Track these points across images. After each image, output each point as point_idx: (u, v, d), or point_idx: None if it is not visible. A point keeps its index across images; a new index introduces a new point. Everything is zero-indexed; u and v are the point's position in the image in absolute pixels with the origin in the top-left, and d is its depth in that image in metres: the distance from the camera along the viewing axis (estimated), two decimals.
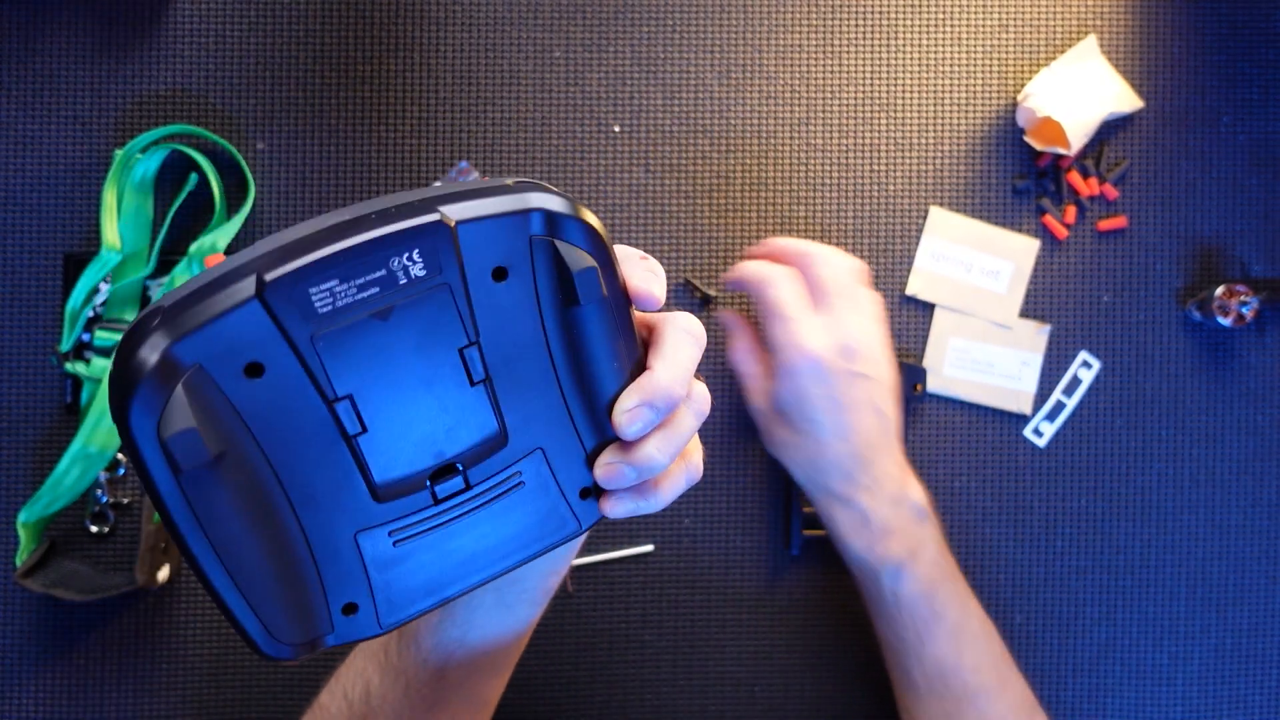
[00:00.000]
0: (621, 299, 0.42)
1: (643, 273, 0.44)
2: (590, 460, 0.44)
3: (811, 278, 0.67)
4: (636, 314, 0.44)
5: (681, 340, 0.44)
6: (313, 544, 0.40)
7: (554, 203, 0.39)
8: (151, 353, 0.34)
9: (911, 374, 0.77)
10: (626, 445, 0.44)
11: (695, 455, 0.47)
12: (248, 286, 0.35)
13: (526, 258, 0.39)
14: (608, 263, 0.41)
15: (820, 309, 0.66)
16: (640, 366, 0.44)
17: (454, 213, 0.37)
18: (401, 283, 0.37)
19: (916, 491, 0.67)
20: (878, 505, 0.66)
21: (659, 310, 0.44)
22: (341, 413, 0.38)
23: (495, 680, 0.57)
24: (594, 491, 0.45)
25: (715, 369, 0.78)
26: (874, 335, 0.67)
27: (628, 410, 0.43)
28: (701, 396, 0.45)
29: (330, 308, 0.36)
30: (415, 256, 0.36)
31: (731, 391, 0.78)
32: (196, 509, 0.37)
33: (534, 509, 0.44)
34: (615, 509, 0.45)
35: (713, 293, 0.78)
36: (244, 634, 0.40)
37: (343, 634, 0.42)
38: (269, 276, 0.35)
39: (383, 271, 0.36)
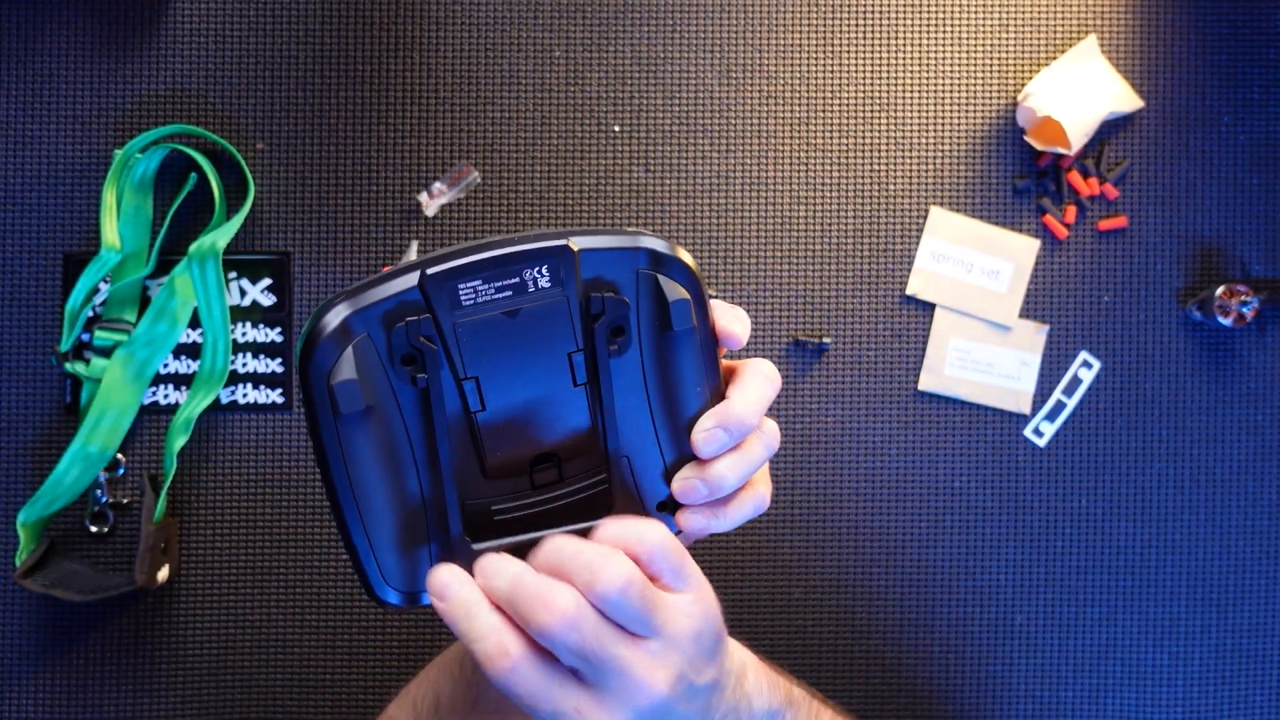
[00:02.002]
0: (709, 333, 0.49)
1: (729, 316, 0.49)
2: (668, 475, 0.50)
3: (619, 600, 0.44)
4: (723, 360, 0.51)
5: (758, 379, 0.49)
6: (427, 505, 0.47)
7: (660, 244, 0.48)
8: (334, 319, 0.45)
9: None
10: (702, 464, 0.48)
11: (763, 486, 0.50)
12: (413, 278, 0.45)
13: (633, 286, 0.48)
14: (700, 300, 0.48)
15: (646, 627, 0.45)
16: (720, 396, 0.49)
17: (578, 242, 0.46)
18: (530, 291, 0.46)
19: (764, 700, 0.54)
20: None
21: (740, 349, 0.49)
22: (468, 390, 0.46)
23: None
24: (670, 506, 0.50)
25: None
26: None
27: (705, 430, 0.48)
28: (772, 432, 0.49)
29: (473, 302, 0.45)
30: (544, 271, 0.45)
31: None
32: (345, 449, 0.46)
33: (619, 506, 0.49)
34: (689, 523, 0.48)
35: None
36: (362, 572, 0.48)
37: None
38: (430, 271, 0.45)
39: (517, 279, 0.45)
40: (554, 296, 0.46)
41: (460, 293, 0.45)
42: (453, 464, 0.47)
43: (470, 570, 0.45)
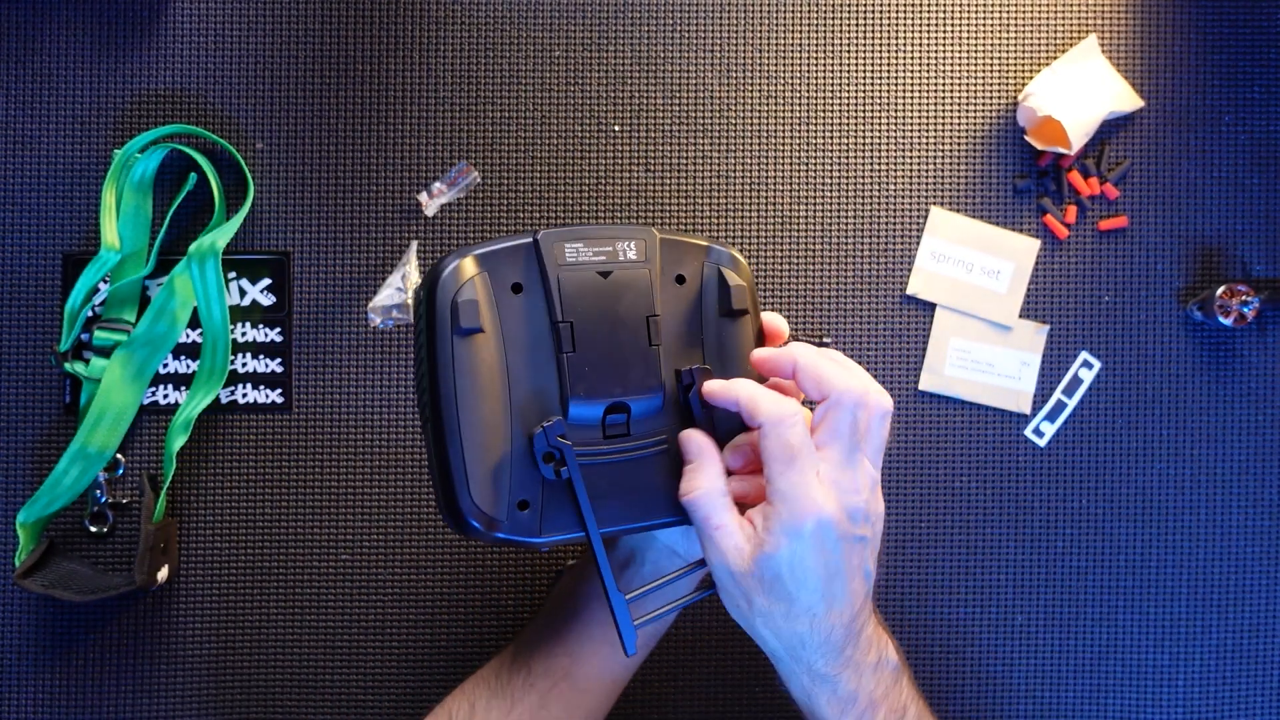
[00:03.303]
0: (758, 324, 0.59)
1: (771, 317, 0.60)
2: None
3: (840, 421, 0.54)
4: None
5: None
6: (514, 435, 0.53)
7: (725, 246, 0.59)
8: (459, 257, 0.54)
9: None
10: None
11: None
12: (529, 235, 0.55)
13: (699, 275, 0.58)
14: (753, 289, 0.59)
15: (838, 457, 0.54)
16: (760, 379, 0.57)
17: (660, 233, 0.57)
18: (620, 259, 0.56)
19: (890, 649, 0.59)
20: (863, 679, 0.57)
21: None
22: (562, 332, 0.54)
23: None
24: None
25: None
26: (880, 493, 0.57)
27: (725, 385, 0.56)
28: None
29: (575, 260, 0.55)
30: (631, 246, 0.56)
31: None
32: (456, 363, 0.53)
33: (669, 478, 0.56)
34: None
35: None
36: (449, 488, 0.52)
37: (511, 529, 0.53)
38: (542, 232, 0.55)
39: (610, 248, 0.56)
40: (639, 266, 0.56)
41: (566, 250, 0.55)
42: (553, 389, 0.54)
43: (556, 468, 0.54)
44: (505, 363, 0.54)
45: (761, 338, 0.59)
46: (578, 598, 0.64)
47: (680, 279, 0.57)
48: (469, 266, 0.53)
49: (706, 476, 0.55)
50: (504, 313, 0.54)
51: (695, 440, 0.56)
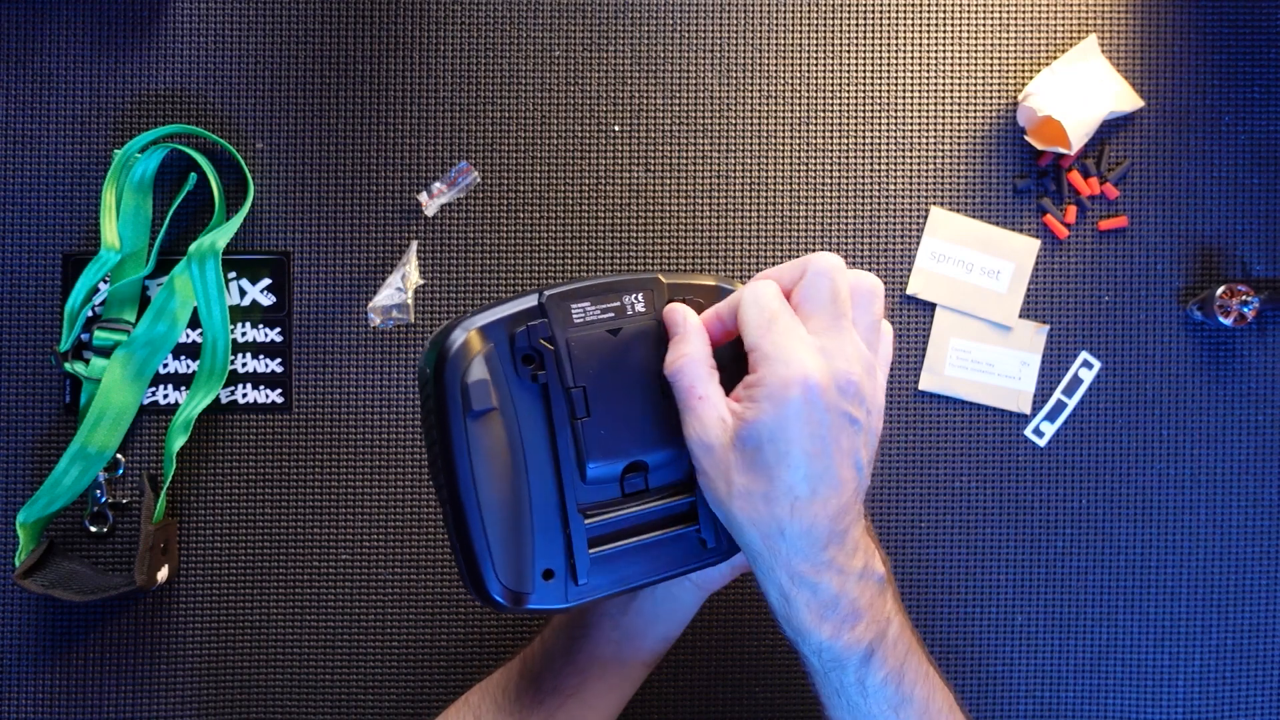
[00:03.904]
0: None
1: None
2: None
3: (818, 287, 0.52)
4: None
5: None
6: (534, 507, 0.53)
7: (733, 284, 0.56)
8: (464, 332, 0.52)
9: None
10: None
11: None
12: (533, 298, 0.53)
13: None
14: None
15: (823, 326, 0.51)
16: None
17: (666, 278, 0.55)
18: (629, 313, 0.54)
19: (878, 560, 0.55)
20: (847, 585, 0.52)
21: None
22: (575, 398, 0.53)
23: None
24: None
25: None
26: (880, 374, 0.54)
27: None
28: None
29: (582, 320, 0.53)
30: (639, 299, 0.54)
31: None
32: (471, 446, 0.51)
33: (692, 526, 0.55)
34: None
35: None
36: (475, 569, 0.52)
37: (540, 598, 0.53)
38: (548, 293, 0.53)
39: (618, 303, 0.54)
40: (648, 320, 0.54)
41: (572, 311, 0.53)
42: (570, 455, 0.53)
43: (573, 563, 0.53)
44: (520, 435, 0.53)
45: None
46: (587, 616, 0.64)
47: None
48: (475, 341, 0.52)
49: (691, 345, 0.52)
50: (514, 384, 0.53)
51: (679, 312, 0.54)
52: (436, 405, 0.52)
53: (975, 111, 0.79)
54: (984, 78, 0.79)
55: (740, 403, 0.51)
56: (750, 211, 0.78)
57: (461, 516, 0.52)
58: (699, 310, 0.55)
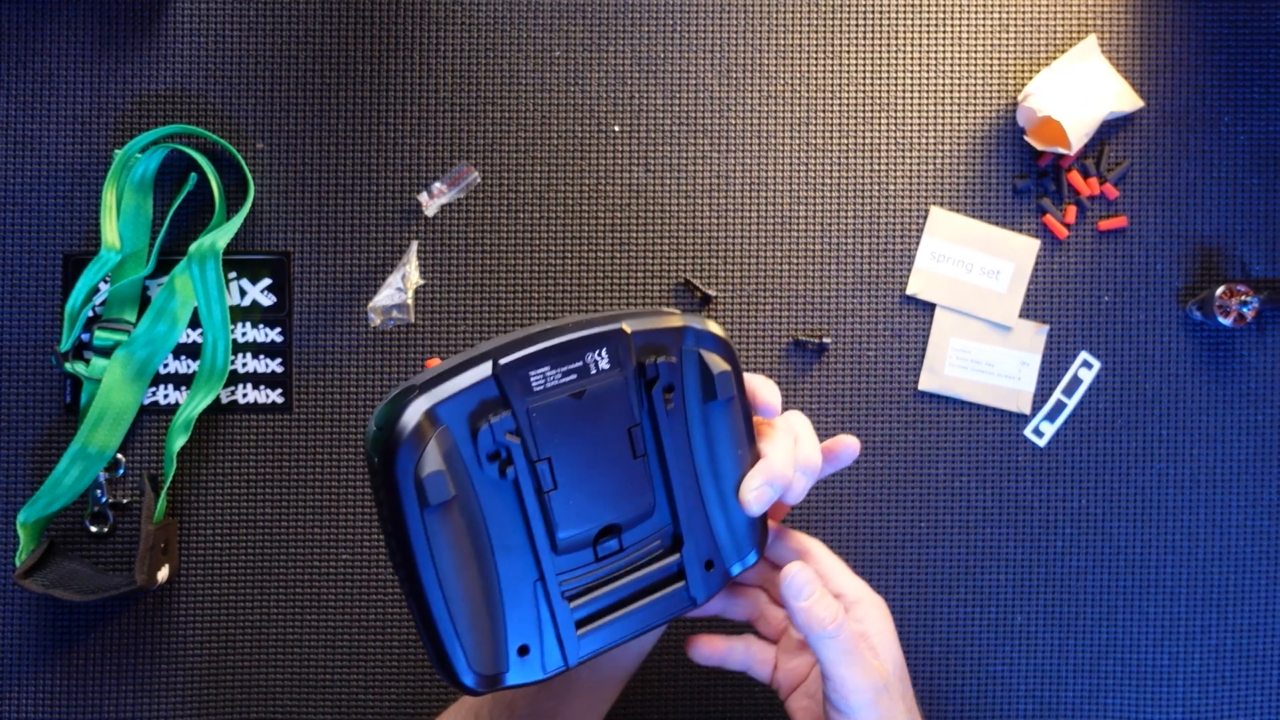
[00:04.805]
0: (745, 402, 0.54)
1: (764, 388, 0.56)
2: (719, 530, 0.55)
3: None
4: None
5: (787, 433, 0.56)
6: (503, 587, 0.50)
7: (701, 324, 0.53)
8: (415, 415, 0.47)
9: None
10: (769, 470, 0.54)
11: (813, 459, 0.56)
12: (486, 368, 0.48)
13: (679, 362, 0.52)
14: (738, 372, 0.53)
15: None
16: (756, 456, 0.55)
17: (630, 325, 0.51)
18: (592, 373, 0.50)
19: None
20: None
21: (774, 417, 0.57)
22: (542, 472, 0.49)
23: None
24: (713, 565, 0.55)
25: None
26: None
27: (754, 489, 0.54)
28: (807, 458, 0.55)
29: (542, 387, 0.49)
30: (603, 354, 0.50)
31: None
32: (431, 540, 0.47)
33: (667, 576, 0.54)
34: (755, 501, 0.54)
35: (712, 292, 0.78)
36: (444, 660, 0.49)
37: (516, 675, 0.51)
38: (503, 361, 0.48)
39: (580, 363, 0.49)
40: (614, 376, 0.50)
41: (531, 379, 0.49)
42: (540, 528, 0.50)
43: (564, 648, 0.52)
44: (482, 517, 0.49)
45: (749, 418, 0.55)
46: None
47: (656, 370, 0.52)
48: (426, 426, 0.47)
49: (832, 603, 0.55)
50: (472, 465, 0.48)
51: (809, 576, 0.55)
52: (388, 498, 0.47)
53: (975, 111, 0.79)
54: (984, 78, 0.79)
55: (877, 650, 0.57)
56: (750, 211, 0.78)
57: (426, 610, 0.48)
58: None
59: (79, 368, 0.75)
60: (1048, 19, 0.79)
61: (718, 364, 0.53)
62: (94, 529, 0.76)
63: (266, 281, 0.77)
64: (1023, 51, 0.79)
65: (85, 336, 0.76)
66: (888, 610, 0.59)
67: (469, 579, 0.49)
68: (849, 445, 0.59)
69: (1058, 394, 0.79)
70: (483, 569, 0.49)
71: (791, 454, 0.55)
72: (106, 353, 0.75)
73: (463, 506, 0.48)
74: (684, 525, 0.54)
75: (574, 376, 0.49)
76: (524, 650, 0.51)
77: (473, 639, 0.49)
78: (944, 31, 0.79)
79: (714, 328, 0.53)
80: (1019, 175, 0.79)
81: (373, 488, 0.48)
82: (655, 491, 0.53)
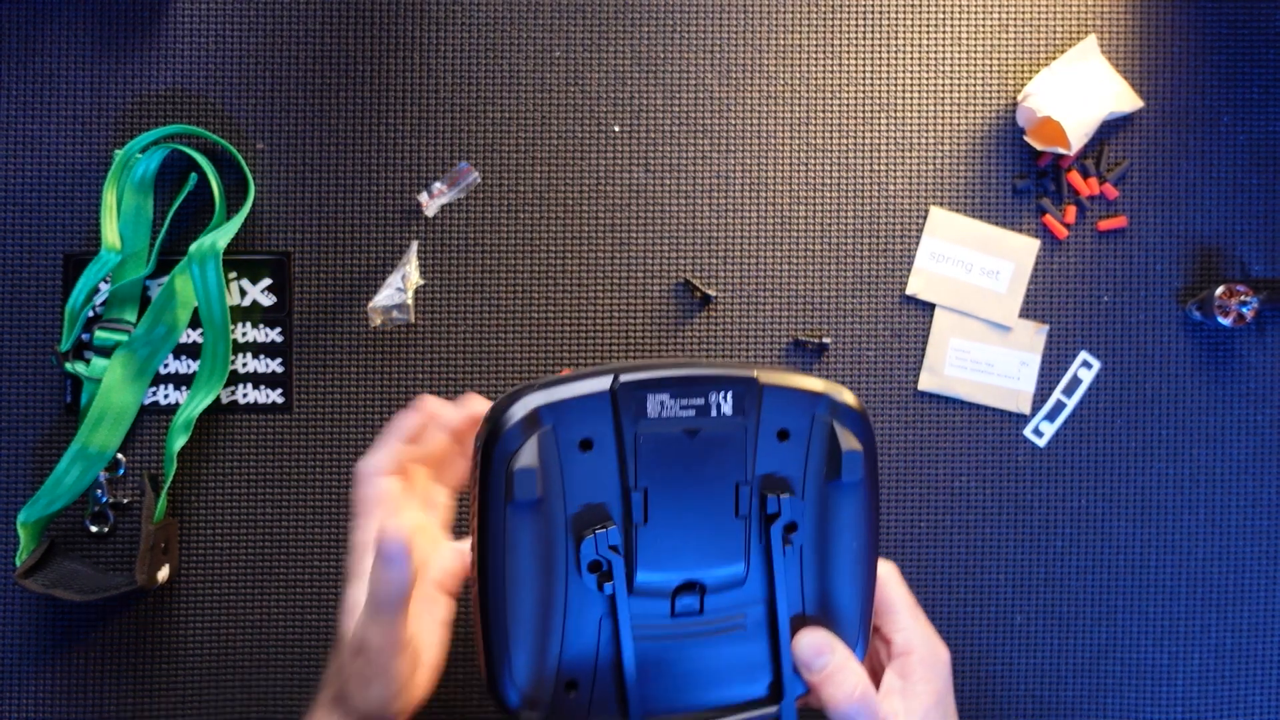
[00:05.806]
0: (875, 493, 0.50)
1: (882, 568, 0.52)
2: (800, 624, 0.50)
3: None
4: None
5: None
6: (569, 612, 0.47)
7: (840, 393, 0.49)
8: (523, 409, 0.45)
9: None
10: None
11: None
12: (606, 381, 0.46)
13: (807, 429, 0.48)
14: (872, 455, 0.49)
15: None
16: (873, 570, 0.51)
17: (765, 377, 0.47)
18: (713, 414, 0.46)
19: None
20: None
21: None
22: (635, 502, 0.47)
23: None
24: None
25: None
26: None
27: (812, 645, 0.50)
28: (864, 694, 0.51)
29: (658, 415, 0.46)
30: (728, 398, 0.47)
31: None
32: (508, 535, 0.46)
33: (746, 659, 0.50)
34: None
35: (712, 293, 0.78)
36: (493, 666, 0.47)
37: (554, 713, 0.48)
38: (624, 378, 0.46)
39: (702, 400, 0.46)
40: (734, 425, 0.47)
41: (648, 404, 0.46)
42: (619, 562, 0.47)
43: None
44: (565, 529, 0.47)
45: (877, 509, 0.51)
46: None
47: (783, 434, 0.48)
48: (530, 423, 0.45)
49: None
50: (568, 471, 0.46)
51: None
52: (479, 483, 0.46)
53: (975, 111, 0.79)
54: (984, 78, 0.79)
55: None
56: (750, 211, 0.78)
57: (485, 606, 0.47)
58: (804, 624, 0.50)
59: (79, 368, 0.75)
60: (1048, 19, 0.79)
61: (849, 441, 0.48)
62: (94, 529, 0.76)
63: (266, 281, 0.77)
64: (1023, 51, 0.79)
65: (85, 336, 0.76)
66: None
67: (536, 588, 0.47)
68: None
69: (1057, 394, 0.79)
70: (552, 587, 0.47)
71: (868, 690, 0.50)
72: (107, 353, 0.75)
73: (548, 515, 0.46)
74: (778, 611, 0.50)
75: (692, 412, 0.46)
76: (571, 686, 0.48)
77: (525, 653, 0.47)
78: (944, 31, 0.79)
79: (851, 399, 0.49)
80: (1019, 175, 0.79)
81: (473, 456, 0.47)
82: (751, 565, 0.49)
